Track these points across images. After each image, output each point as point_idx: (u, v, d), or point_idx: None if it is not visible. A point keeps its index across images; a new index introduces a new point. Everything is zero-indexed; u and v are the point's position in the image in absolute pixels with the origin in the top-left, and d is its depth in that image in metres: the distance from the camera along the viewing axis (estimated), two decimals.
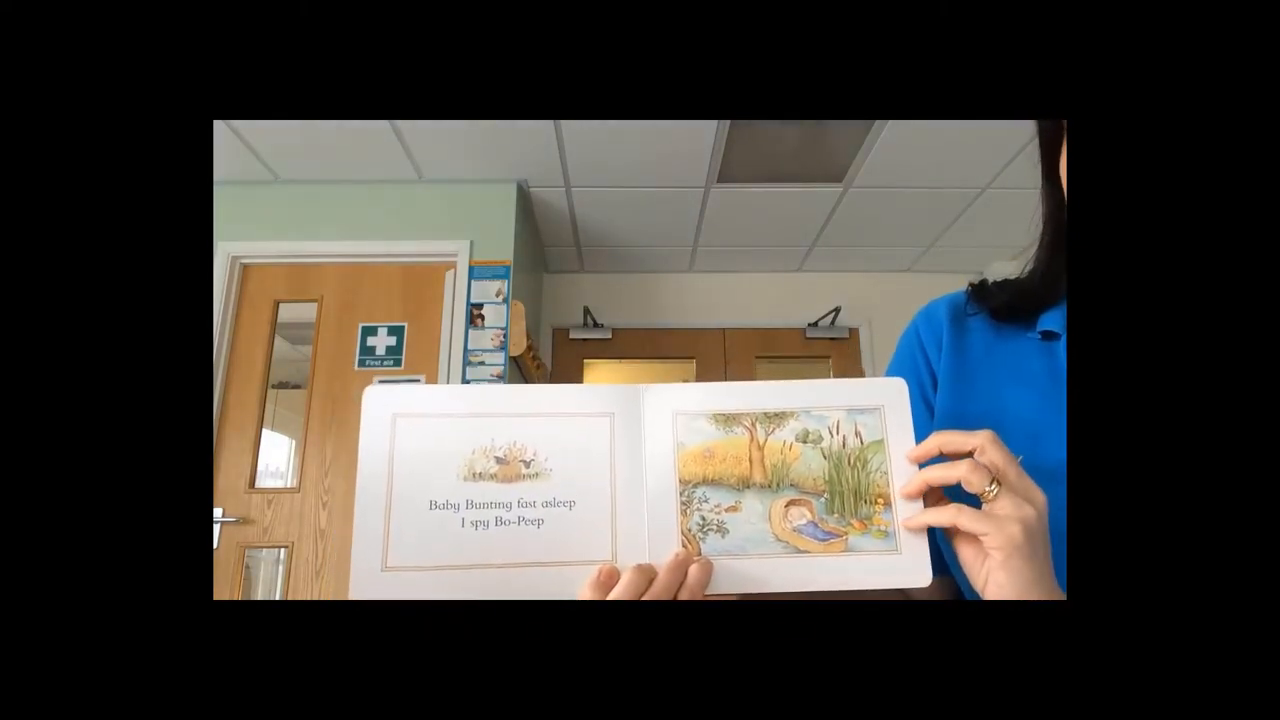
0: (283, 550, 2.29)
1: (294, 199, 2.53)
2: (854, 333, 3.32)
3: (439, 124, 2.21)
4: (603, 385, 0.47)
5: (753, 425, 0.46)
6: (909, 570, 0.43)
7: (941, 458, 0.44)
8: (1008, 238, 2.94)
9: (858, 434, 0.46)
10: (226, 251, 2.45)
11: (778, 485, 0.45)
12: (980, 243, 3.01)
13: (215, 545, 2.24)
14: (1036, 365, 0.52)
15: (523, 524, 0.44)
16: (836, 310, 3.23)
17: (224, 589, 2.20)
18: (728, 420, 0.46)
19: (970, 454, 0.42)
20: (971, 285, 0.58)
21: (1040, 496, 0.41)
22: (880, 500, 0.45)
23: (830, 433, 0.46)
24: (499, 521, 0.44)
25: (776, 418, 0.46)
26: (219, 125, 2.16)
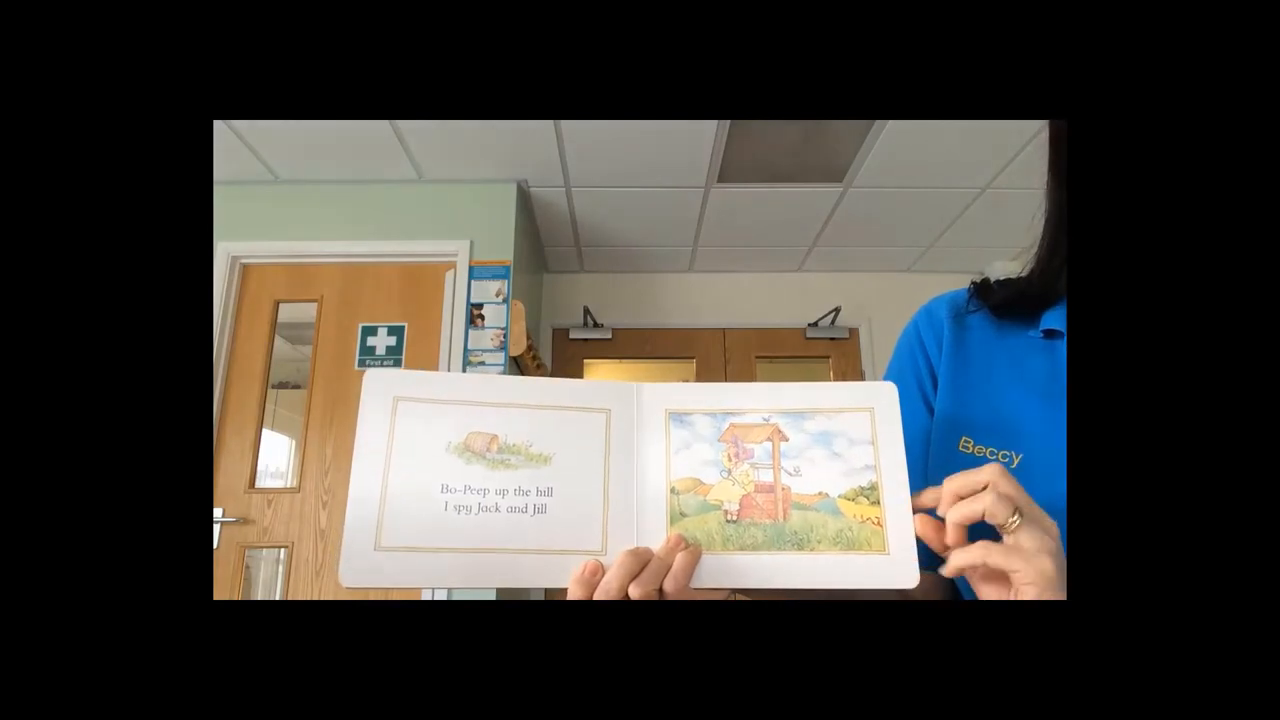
0: (283, 550, 2.28)
1: (294, 199, 2.53)
2: (854, 333, 3.32)
3: (439, 124, 2.21)
4: (600, 381, 0.47)
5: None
6: (898, 571, 0.43)
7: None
8: (1008, 238, 2.93)
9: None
10: (226, 251, 2.44)
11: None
12: (980, 243, 3.00)
13: (215, 545, 2.24)
14: (1037, 364, 0.52)
15: (516, 511, 0.44)
16: (836, 310, 3.23)
17: (224, 589, 2.20)
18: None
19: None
20: (974, 283, 0.58)
21: (1054, 525, 0.40)
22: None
23: None
24: (494, 508, 0.44)
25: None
26: (219, 125, 2.16)
